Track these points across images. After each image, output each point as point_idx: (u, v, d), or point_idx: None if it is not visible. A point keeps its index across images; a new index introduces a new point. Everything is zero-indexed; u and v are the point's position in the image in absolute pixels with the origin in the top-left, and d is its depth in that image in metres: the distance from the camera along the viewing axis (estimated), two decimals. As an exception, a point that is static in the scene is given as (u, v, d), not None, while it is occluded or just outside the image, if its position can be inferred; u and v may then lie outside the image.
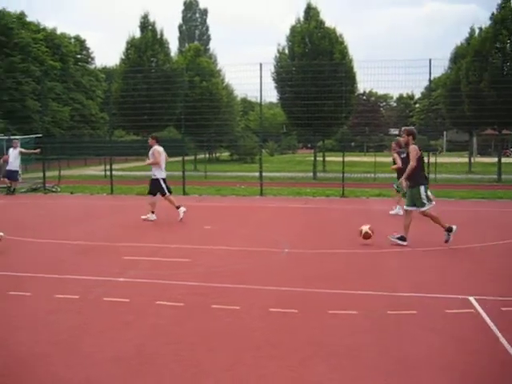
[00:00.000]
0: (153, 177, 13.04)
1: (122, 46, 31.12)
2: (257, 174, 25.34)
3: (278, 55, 27.78)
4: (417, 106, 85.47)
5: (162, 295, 6.60)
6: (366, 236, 9.61)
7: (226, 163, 44.53)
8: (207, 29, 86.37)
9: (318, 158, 29.25)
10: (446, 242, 9.46)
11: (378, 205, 16.10)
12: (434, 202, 9.84)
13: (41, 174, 21.48)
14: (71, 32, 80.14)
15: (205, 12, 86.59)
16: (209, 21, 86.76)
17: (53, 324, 5.63)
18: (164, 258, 8.76)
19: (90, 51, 67.10)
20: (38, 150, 21.51)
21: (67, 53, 54.64)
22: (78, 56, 61.93)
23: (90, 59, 67.05)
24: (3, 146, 23.94)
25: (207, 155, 46.04)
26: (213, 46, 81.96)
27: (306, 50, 26.47)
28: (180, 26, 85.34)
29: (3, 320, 5.79)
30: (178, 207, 12.86)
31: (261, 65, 19.01)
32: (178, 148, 22.98)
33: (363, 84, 56.50)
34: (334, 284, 7.15)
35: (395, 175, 13.60)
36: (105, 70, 64.08)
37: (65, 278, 7.50)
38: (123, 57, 31.01)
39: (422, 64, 19.02)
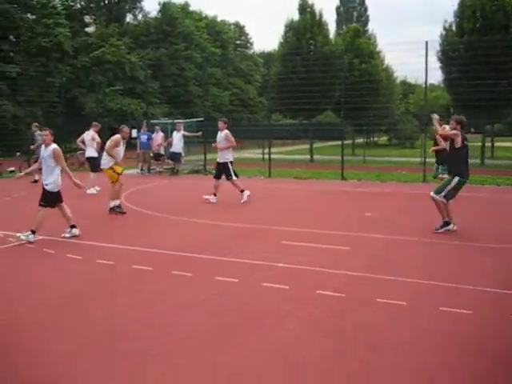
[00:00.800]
0: (220, 160, 13.09)
1: (281, 30, 31.28)
2: (417, 159, 24.21)
3: (443, 33, 26.08)
4: None
5: (321, 284, 6.30)
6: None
7: (385, 148, 43.25)
8: (366, 9, 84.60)
9: (485, 144, 27.22)
10: (437, 229, 9.34)
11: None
12: (450, 201, 9.43)
13: (202, 157, 22.19)
14: (231, 19, 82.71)
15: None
16: (367, 1, 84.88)
17: (213, 308, 5.58)
18: (323, 244, 8.44)
19: (248, 37, 68.96)
20: (199, 133, 22.22)
21: (227, 39, 56.63)
22: (238, 42, 63.90)
23: (248, 44, 68.92)
24: (168, 129, 25.07)
25: (365, 139, 45.07)
26: (371, 26, 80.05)
27: (477, 26, 24.50)
28: (338, 8, 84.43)
29: (168, 299, 5.86)
30: (242, 191, 12.99)
31: (426, 43, 17.52)
32: (336, 132, 22.55)
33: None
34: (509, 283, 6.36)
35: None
36: (263, 54, 65.35)
37: (223, 260, 7.48)
38: (282, 40, 31.13)
39: None
